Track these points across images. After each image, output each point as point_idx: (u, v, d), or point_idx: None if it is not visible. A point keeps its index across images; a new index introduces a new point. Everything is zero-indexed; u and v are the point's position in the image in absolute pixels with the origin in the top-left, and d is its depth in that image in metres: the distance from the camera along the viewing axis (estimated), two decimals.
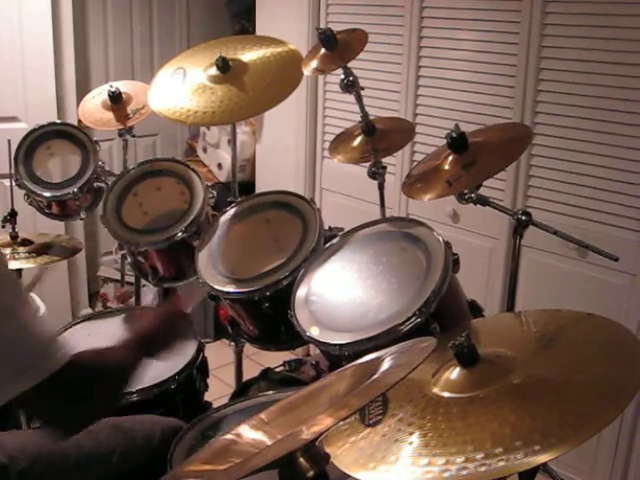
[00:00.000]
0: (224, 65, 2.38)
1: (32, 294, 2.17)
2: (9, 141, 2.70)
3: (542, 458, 1.10)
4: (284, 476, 0.98)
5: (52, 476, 1.67)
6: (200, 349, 2.25)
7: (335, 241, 2.05)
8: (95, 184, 2.82)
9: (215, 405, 2.13)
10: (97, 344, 2.08)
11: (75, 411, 1.38)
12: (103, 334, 2.34)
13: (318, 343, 1.82)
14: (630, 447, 2.73)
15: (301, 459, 0.97)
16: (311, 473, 0.98)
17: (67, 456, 1.71)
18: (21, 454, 1.67)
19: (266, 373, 2.46)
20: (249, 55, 2.46)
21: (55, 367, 1.30)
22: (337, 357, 1.76)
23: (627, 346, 1.39)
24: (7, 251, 2.47)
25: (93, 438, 1.75)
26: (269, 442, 1.07)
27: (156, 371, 2.02)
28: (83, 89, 3.65)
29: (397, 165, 3.31)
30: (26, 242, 2.60)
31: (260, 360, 3.19)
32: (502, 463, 1.11)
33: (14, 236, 2.57)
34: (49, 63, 3.75)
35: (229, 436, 1.13)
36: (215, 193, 2.52)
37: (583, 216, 2.75)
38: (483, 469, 1.11)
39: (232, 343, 2.53)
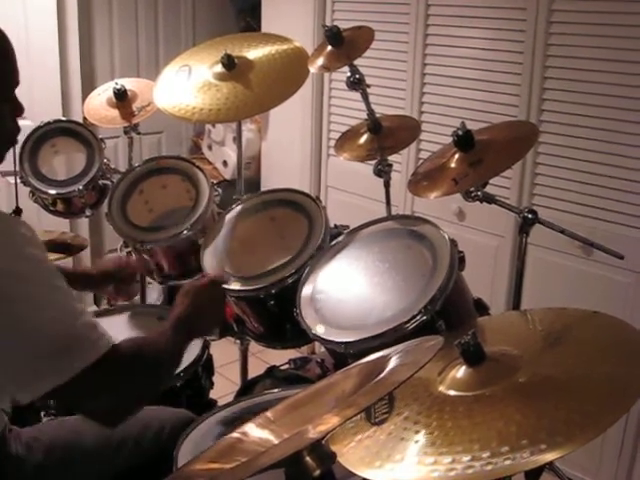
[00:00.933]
0: (229, 62, 2.38)
1: None
2: None
3: (548, 457, 1.10)
4: (290, 475, 0.98)
5: (67, 465, 1.68)
6: (205, 347, 2.25)
7: (341, 239, 2.05)
8: (100, 182, 2.82)
9: (220, 403, 2.13)
10: None
11: (119, 399, 1.41)
12: (109, 331, 2.34)
13: (324, 341, 1.82)
14: (635, 445, 2.72)
15: (307, 458, 0.97)
16: (317, 472, 0.98)
17: (82, 445, 1.72)
18: (37, 443, 1.68)
19: (271, 371, 2.46)
20: (254, 52, 2.46)
21: (95, 357, 1.32)
22: (343, 355, 1.76)
23: (633, 344, 1.39)
24: None
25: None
26: (275, 441, 1.07)
27: None
28: (88, 86, 3.66)
29: (403, 163, 3.30)
30: None
31: (265, 358, 3.20)
32: (508, 462, 1.11)
33: None
34: (54, 60, 3.75)
35: (235, 435, 1.13)
36: (220, 191, 2.52)
37: (589, 214, 2.74)
38: (489, 468, 1.11)
39: (237, 341, 2.53)
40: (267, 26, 3.90)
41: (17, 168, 2.74)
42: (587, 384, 1.28)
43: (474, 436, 1.18)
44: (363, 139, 2.35)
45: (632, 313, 2.62)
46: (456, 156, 1.92)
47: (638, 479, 2.75)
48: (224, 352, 2.81)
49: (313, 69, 2.26)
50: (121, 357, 1.40)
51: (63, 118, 3.19)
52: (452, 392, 1.34)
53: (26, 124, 3.38)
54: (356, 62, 2.23)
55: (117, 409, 1.43)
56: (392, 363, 1.10)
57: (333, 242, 2.06)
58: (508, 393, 1.28)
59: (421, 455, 1.19)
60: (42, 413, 1.97)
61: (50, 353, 1.30)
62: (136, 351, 1.47)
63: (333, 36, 2.19)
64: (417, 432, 1.24)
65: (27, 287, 1.30)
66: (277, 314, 2.07)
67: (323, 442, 0.98)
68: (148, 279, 2.84)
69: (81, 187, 2.75)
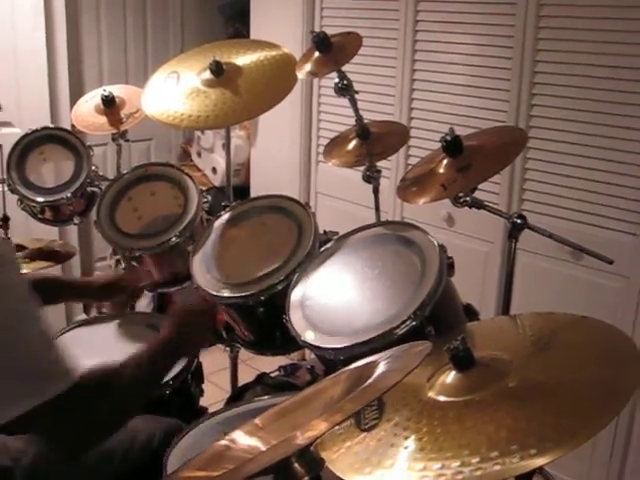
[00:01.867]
0: (218, 69, 2.37)
1: None
2: (1, 146, 2.69)
3: (538, 462, 1.10)
4: None
5: (56, 476, 1.66)
6: (195, 354, 2.24)
7: (330, 245, 2.05)
8: (89, 189, 2.81)
9: (210, 410, 2.13)
10: (92, 349, 2.11)
11: (83, 431, 1.38)
12: (98, 339, 2.34)
13: (313, 347, 1.81)
14: (626, 450, 2.72)
15: (296, 464, 0.97)
16: (306, 478, 0.97)
17: None
18: (25, 455, 1.67)
19: (261, 378, 2.46)
20: (243, 59, 2.46)
21: (65, 386, 1.29)
22: (332, 361, 1.76)
23: (622, 349, 1.39)
24: None
25: None
26: (263, 448, 1.06)
27: None
28: (76, 93, 3.64)
29: (392, 169, 3.30)
30: (20, 247, 2.59)
31: (255, 365, 3.19)
32: (498, 467, 1.11)
33: None
34: (42, 68, 3.74)
35: (223, 442, 1.12)
36: (209, 197, 2.52)
37: (578, 219, 2.75)
38: (479, 473, 1.11)
39: (227, 348, 2.53)
40: (256, 32, 3.91)
41: (4, 176, 2.73)
42: (577, 389, 1.28)
43: (464, 441, 1.18)
44: (352, 145, 2.35)
45: (621, 318, 2.63)
46: (445, 162, 1.92)
47: None
48: (214, 360, 2.80)
49: (301, 75, 2.25)
50: (83, 393, 1.35)
51: (51, 125, 3.18)
52: (442, 397, 1.34)
53: (14, 131, 3.40)
54: (345, 68, 2.23)
55: (80, 441, 1.39)
56: (380, 369, 1.09)
57: (322, 248, 2.05)
58: (498, 398, 1.28)
59: (411, 461, 1.18)
60: None
61: (16, 379, 1.27)
62: (99, 388, 1.41)
63: (321, 42, 2.19)
64: (407, 438, 1.24)
65: None
66: (266, 321, 2.06)
67: (312, 448, 0.98)
68: None
69: (69, 195, 2.74)
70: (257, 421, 1.14)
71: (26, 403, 1.27)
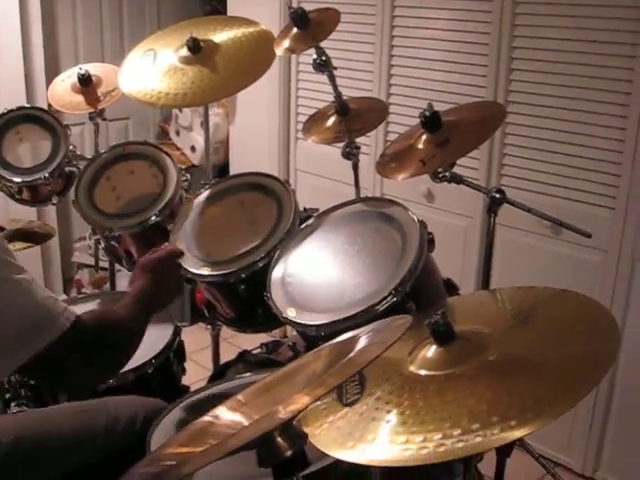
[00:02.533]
0: (195, 46, 2.35)
1: None
2: None
3: (518, 433, 1.11)
4: (262, 456, 0.98)
5: (36, 457, 1.67)
6: (177, 333, 2.25)
7: (310, 222, 2.05)
8: (67, 169, 2.79)
9: (193, 389, 2.13)
10: None
11: (86, 371, 1.41)
12: None
13: (295, 324, 1.82)
14: (605, 421, 2.76)
15: (279, 439, 0.97)
16: (289, 452, 0.98)
17: (51, 437, 1.71)
18: (4, 437, 1.67)
19: (243, 355, 2.46)
20: (220, 36, 2.44)
21: (58, 333, 1.33)
22: (314, 338, 1.76)
23: (601, 321, 1.40)
24: None
25: (76, 419, 1.75)
26: (246, 423, 1.06)
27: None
28: (52, 72, 3.61)
29: (371, 145, 3.30)
30: None
31: (237, 343, 3.19)
32: (479, 439, 1.12)
33: None
34: (17, 46, 3.70)
35: (206, 418, 1.12)
36: (189, 176, 2.51)
37: (556, 194, 2.77)
38: (460, 445, 1.12)
39: (209, 326, 2.53)
40: (233, 9, 3.88)
41: None
42: (556, 361, 1.29)
43: (445, 414, 1.19)
44: (331, 122, 2.35)
45: (600, 291, 2.66)
46: (423, 137, 1.92)
47: (608, 454, 2.80)
48: (196, 338, 2.80)
49: (279, 51, 2.24)
50: (84, 329, 1.42)
51: (27, 105, 3.15)
52: (423, 371, 1.35)
53: None
54: (323, 44, 2.22)
55: (83, 379, 1.45)
56: (361, 343, 1.10)
57: (303, 225, 2.05)
58: (478, 371, 1.29)
59: (393, 435, 1.19)
60: (13, 404, 1.96)
61: (18, 331, 1.32)
62: (99, 323, 1.49)
63: (299, 18, 2.18)
64: (388, 412, 1.25)
65: None
66: (248, 298, 2.06)
67: (294, 422, 0.98)
68: (117, 266, 2.82)
69: (47, 174, 2.72)
70: (240, 397, 1.15)
71: (33, 346, 1.33)
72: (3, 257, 1.37)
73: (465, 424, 1.15)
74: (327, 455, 1.22)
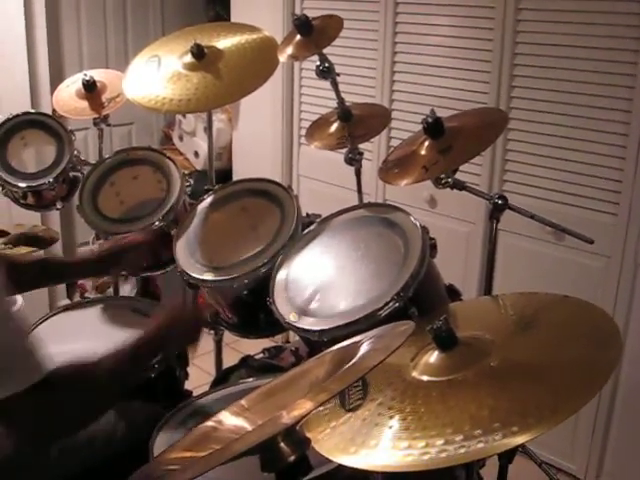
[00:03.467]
0: (199, 52, 2.36)
1: None
2: None
3: (520, 439, 1.11)
4: (265, 461, 0.99)
5: (36, 464, 1.66)
6: (176, 353, 2.24)
7: (313, 228, 2.05)
8: (71, 174, 2.79)
9: (195, 393, 2.13)
10: (76, 334, 2.10)
11: (55, 423, 1.37)
12: (82, 324, 2.33)
13: (297, 329, 1.82)
14: (607, 426, 2.76)
15: (282, 444, 0.98)
16: (292, 458, 0.98)
17: None
18: (3, 444, 1.67)
19: (246, 361, 2.46)
20: (224, 42, 2.45)
21: (35, 378, 1.29)
22: (316, 343, 1.77)
23: (603, 327, 1.40)
24: None
25: None
26: (250, 428, 1.07)
27: None
28: (57, 78, 3.62)
29: (374, 151, 3.31)
30: (2, 233, 2.58)
31: (240, 348, 3.19)
32: (481, 445, 1.12)
33: None
34: (22, 52, 3.71)
35: (210, 423, 1.13)
36: (192, 181, 2.51)
37: (559, 200, 2.77)
38: (462, 451, 1.12)
39: (211, 331, 2.53)
40: (236, 16, 3.89)
41: None
42: (558, 367, 1.30)
43: (447, 420, 1.19)
44: (333, 128, 2.35)
45: (602, 297, 2.66)
46: (426, 143, 1.92)
47: (611, 460, 2.79)
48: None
49: (282, 58, 2.25)
50: (56, 384, 1.34)
51: (32, 110, 3.16)
52: (425, 377, 1.35)
53: None
54: (326, 51, 2.23)
55: (50, 432, 1.38)
56: (364, 349, 1.10)
57: (305, 231, 2.06)
58: (480, 377, 1.29)
59: (395, 440, 1.20)
60: None
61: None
62: (72, 380, 1.39)
63: (302, 25, 2.18)
64: (391, 417, 1.25)
65: None
66: (250, 304, 2.07)
67: (297, 428, 0.99)
68: None
69: (51, 179, 2.72)
70: (243, 402, 1.15)
71: (16, 384, 1.27)
72: None
73: (467, 430, 1.15)
74: (330, 460, 1.22)
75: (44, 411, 1.34)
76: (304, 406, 0.93)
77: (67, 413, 1.39)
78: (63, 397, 1.35)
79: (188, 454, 1.03)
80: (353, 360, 1.04)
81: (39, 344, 1.35)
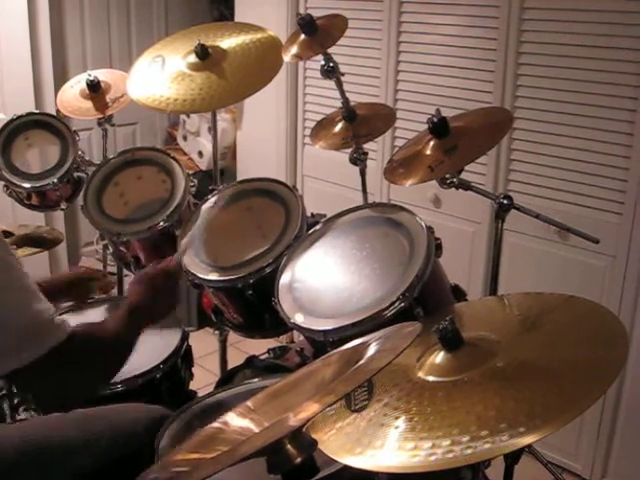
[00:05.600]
0: (203, 52, 2.36)
1: None
2: None
3: (527, 440, 1.11)
4: (272, 463, 0.98)
5: (41, 465, 1.67)
6: (184, 338, 2.25)
7: (318, 227, 2.05)
8: (75, 174, 2.80)
9: (200, 394, 2.13)
10: None
11: (75, 383, 1.42)
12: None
13: (302, 330, 1.82)
14: (613, 427, 2.76)
15: (288, 446, 0.97)
16: (299, 460, 0.98)
17: (55, 445, 1.71)
18: (8, 446, 1.67)
19: (251, 361, 2.46)
20: (228, 42, 2.45)
21: (55, 342, 1.34)
22: (322, 343, 1.76)
23: (609, 327, 1.40)
24: None
25: (80, 426, 1.76)
26: (256, 430, 1.07)
27: (140, 361, 2.01)
28: (61, 78, 3.62)
29: (378, 151, 3.31)
30: (6, 234, 2.58)
31: (244, 348, 3.19)
32: (488, 445, 1.12)
33: None
34: (26, 53, 3.72)
35: (216, 424, 1.13)
36: (196, 181, 2.51)
37: (564, 199, 2.76)
38: (469, 452, 1.12)
39: (216, 331, 2.53)
40: (240, 15, 3.89)
41: None
42: (564, 367, 1.30)
43: (453, 421, 1.19)
44: (338, 127, 2.35)
45: (608, 296, 2.65)
46: (431, 143, 1.92)
47: (616, 460, 2.79)
48: (203, 343, 2.80)
49: (287, 58, 2.25)
50: (76, 344, 1.42)
51: (36, 111, 3.16)
52: (431, 378, 1.35)
53: None
54: (330, 50, 2.22)
55: (70, 393, 1.45)
56: (371, 350, 1.10)
57: (310, 231, 2.06)
58: (486, 378, 1.29)
59: (401, 441, 1.19)
60: (21, 409, 1.97)
61: (13, 337, 1.32)
62: (90, 338, 1.49)
63: (306, 25, 2.18)
64: (397, 418, 1.25)
65: None
66: (255, 304, 2.07)
67: (304, 430, 0.99)
68: (125, 271, 2.83)
69: (56, 180, 2.73)
70: (249, 403, 1.15)
71: (25, 355, 1.33)
72: (7, 259, 1.38)
73: (474, 430, 1.15)
74: (335, 461, 1.22)
75: (69, 370, 1.42)
76: (311, 408, 0.92)
77: (86, 372, 1.47)
78: (81, 357, 1.41)
79: (195, 456, 1.03)
80: (360, 361, 1.04)
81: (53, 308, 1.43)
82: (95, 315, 2.39)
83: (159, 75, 2.40)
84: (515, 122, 2.73)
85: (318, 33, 2.19)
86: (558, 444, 2.82)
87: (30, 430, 1.76)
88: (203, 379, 2.66)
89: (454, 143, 1.89)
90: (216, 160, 2.71)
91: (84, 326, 1.50)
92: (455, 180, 1.95)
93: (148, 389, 2.06)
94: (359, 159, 2.35)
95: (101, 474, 1.73)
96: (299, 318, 1.82)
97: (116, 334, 1.58)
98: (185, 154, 4.42)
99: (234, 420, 1.12)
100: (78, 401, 1.50)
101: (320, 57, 2.24)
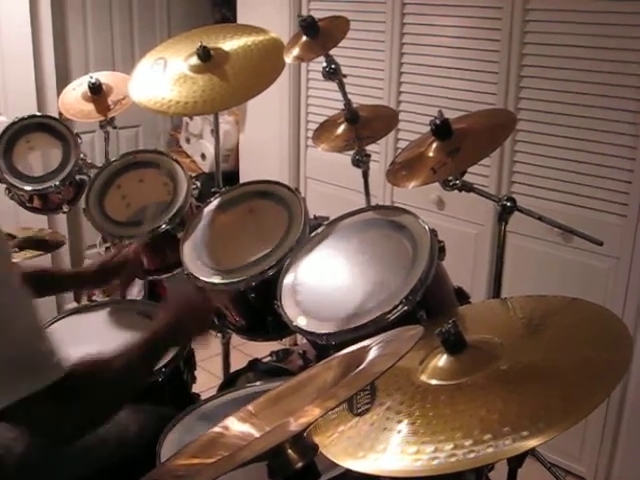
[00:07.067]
0: (205, 54, 2.36)
1: None
2: None
3: (530, 443, 1.11)
4: (273, 468, 0.98)
5: (48, 464, 1.66)
6: (188, 345, 2.24)
7: (320, 230, 2.05)
8: (77, 177, 2.80)
9: (203, 397, 2.13)
10: (84, 338, 2.10)
11: (73, 420, 1.38)
12: (89, 328, 2.33)
13: (305, 333, 1.81)
14: (617, 430, 2.74)
15: (290, 450, 0.97)
16: (300, 464, 0.97)
17: None
18: (16, 445, 1.67)
19: (254, 364, 2.46)
20: (230, 44, 2.44)
21: (54, 377, 1.29)
22: (324, 346, 1.76)
23: (612, 329, 1.39)
24: None
25: None
26: (257, 434, 1.06)
27: None
28: (63, 81, 3.62)
29: (381, 153, 3.30)
30: (8, 237, 2.58)
31: (247, 351, 3.19)
32: (491, 449, 1.11)
33: None
34: (28, 55, 3.71)
35: (217, 429, 1.12)
36: (199, 184, 2.51)
37: (567, 201, 2.76)
38: (472, 456, 1.11)
39: (219, 334, 2.52)
40: (242, 17, 3.88)
41: None
42: (568, 370, 1.29)
43: (456, 424, 1.19)
44: (341, 129, 2.34)
45: (611, 298, 2.64)
46: (434, 145, 1.92)
47: (620, 463, 2.78)
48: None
49: (289, 60, 2.24)
50: (74, 383, 1.34)
51: (38, 113, 3.16)
52: (434, 381, 1.35)
53: (0, 120, 3.37)
54: (332, 52, 2.22)
55: (64, 430, 1.39)
56: (372, 354, 1.09)
57: (313, 233, 2.05)
58: (489, 381, 1.29)
59: (404, 445, 1.19)
60: None
61: (9, 369, 1.27)
62: (90, 378, 1.39)
63: (308, 26, 2.17)
64: (399, 422, 1.25)
65: None
66: (258, 307, 2.06)
67: (305, 434, 0.98)
68: None
69: (58, 183, 2.73)
70: (250, 407, 1.15)
71: (19, 391, 1.27)
72: (20, 287, 1.34)
73: (477, 434, 1.15)
74: (337, 465, 1.21)
75: (63, 410, 1.34)
76: (312, 413, 0.92)
77: (85, 411, 1.39)
78: (81, 395, 1.36)
79: (195, 461, 1.02)
80: (362, 365, 1.03)
81: (56, 342, 1.35)
82: (99, 317, 2.39)
83: (161, 77, 2.40)
84: (518, 124, 2.72)
85: (320, 35, 2.19)
86: (562, 447, 2.81)
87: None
88: (206, 382, 2.66)
89: (457, 145, 1.89)
90: (219, 162, 2.70)
91: (87, 363, 1.39)
92: (458, 182, 1.95)
93: (151, 392, 2.05)
94: (362, 161, 2.35)
95: (107, 475, 1.73)
96: (302, 321, 1.81)
97: (124, 371, 1.47)
98: (188, 156, 4.41)
99: (235, 424, 1.12)
100: (76, 438, 1.43)
101: (322, 59, 2.24)
